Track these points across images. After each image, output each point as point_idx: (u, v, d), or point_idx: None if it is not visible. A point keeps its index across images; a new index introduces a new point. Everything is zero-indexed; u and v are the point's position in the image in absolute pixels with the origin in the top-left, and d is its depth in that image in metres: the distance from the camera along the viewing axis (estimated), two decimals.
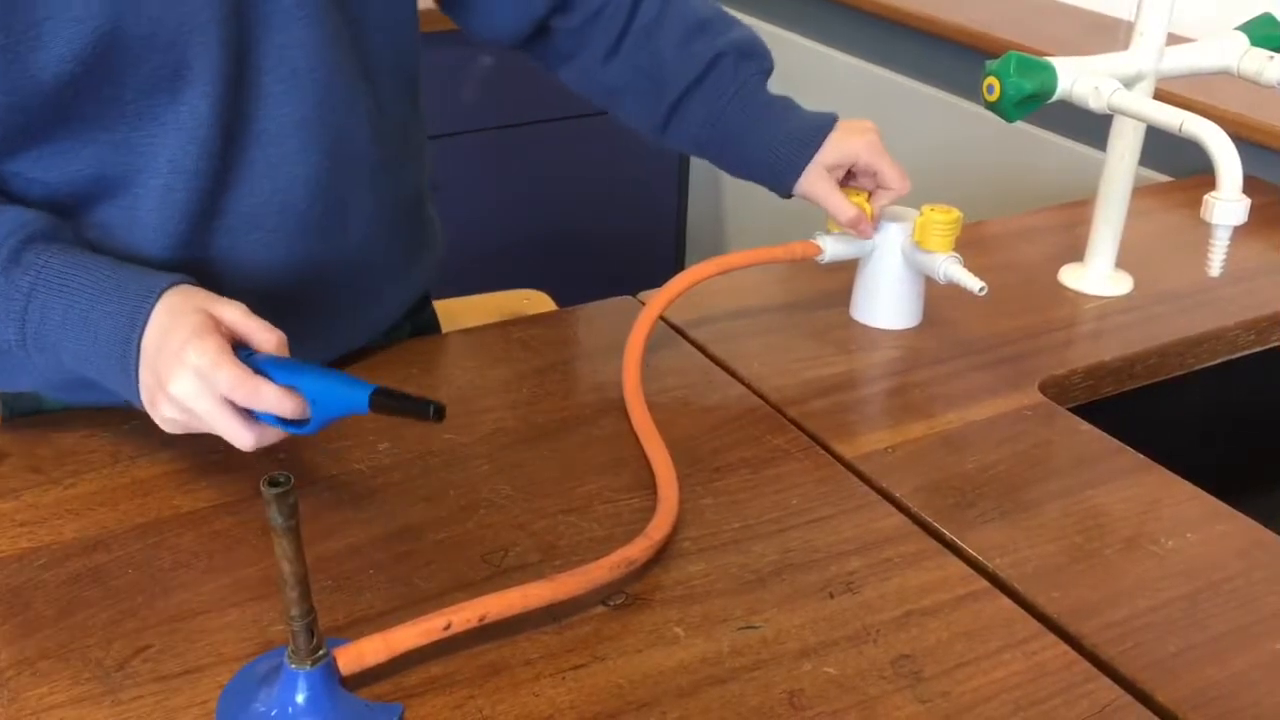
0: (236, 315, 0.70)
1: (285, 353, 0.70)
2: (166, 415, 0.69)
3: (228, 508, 0.74)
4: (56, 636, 0.64)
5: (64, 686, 0.61)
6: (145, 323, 0.69)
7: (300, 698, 0.58)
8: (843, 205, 0.94)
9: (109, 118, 0.75)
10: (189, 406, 0.67)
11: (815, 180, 0.95)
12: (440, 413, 0.63)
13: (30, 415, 0.85)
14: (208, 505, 0.74)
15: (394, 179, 0.90)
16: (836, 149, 0.94)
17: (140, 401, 0.70)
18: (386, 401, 0.65)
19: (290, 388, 0.67)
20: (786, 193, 0.97)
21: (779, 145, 0.95)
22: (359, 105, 0.84)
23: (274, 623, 0.65)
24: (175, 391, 0.67)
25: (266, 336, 0.70)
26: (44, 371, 0.78)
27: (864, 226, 0.94)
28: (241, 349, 0.69)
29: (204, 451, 0.79)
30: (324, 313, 0.88)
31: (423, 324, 1.05)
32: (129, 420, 0.82)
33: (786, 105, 0.97)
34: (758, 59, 0.98)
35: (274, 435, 0.69)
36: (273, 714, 0.58)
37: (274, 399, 0.66)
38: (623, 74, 0.97)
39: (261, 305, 0.80)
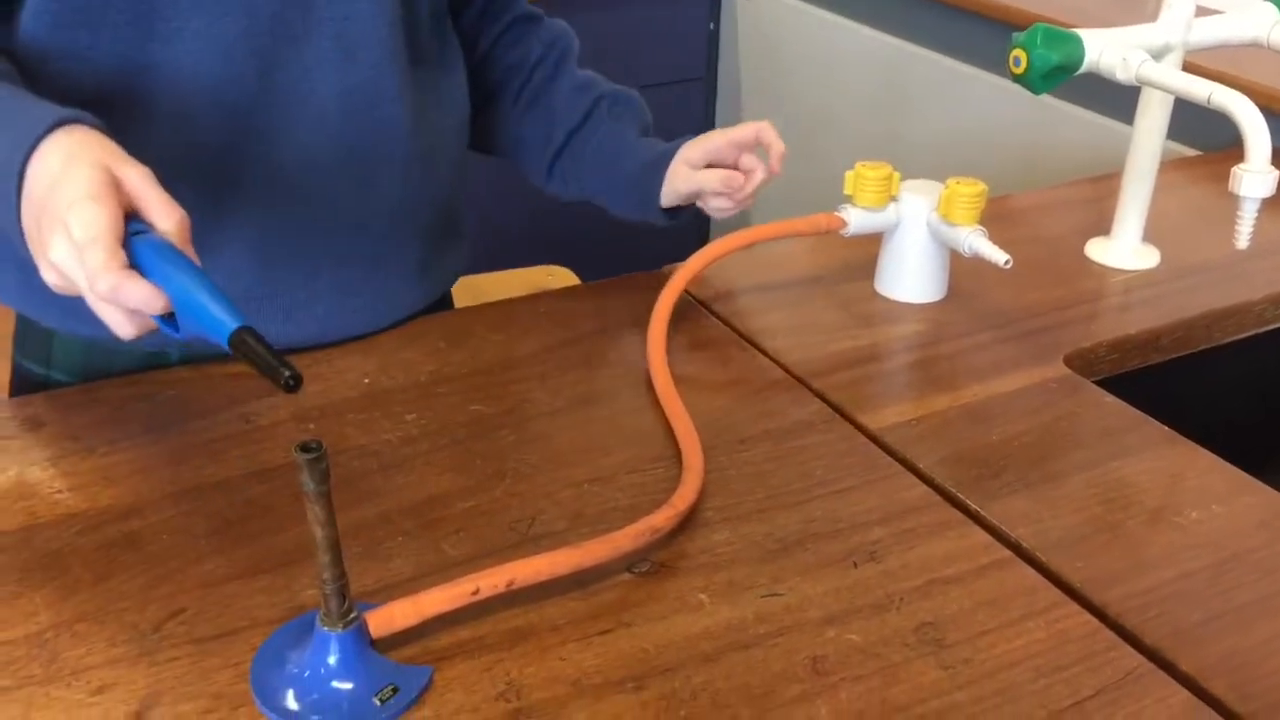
0: (139, 182, 0.63)
1: (185, 236, 0.64)
2: (48, 278, 0.65)
3: (260, 476, 0.75)
4: (94, 600, 0.65)
5: (101, 648, 0.62)
6: (30, 152, 0.64)
7: (332, 659, 0.59)
8: (708, 175, 0.93)
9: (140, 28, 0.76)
10: (68, 276, 0.63)
11: (676, 174, 0.94)
12: (293, 384, 0.57)
13: (65, 385, 0.86)
14: (240, 473, 0.75)
15: (426, 173, 0.92)
16: (695, 147, 0.94)
17: (23, 240, 0.66)
18: (245, 349, 0.59)
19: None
20: (656, 204, 0.96)
21: (638, 171, 0.97)
22: (405, 96, 0.87)
23: (305, 588, 0.66)
24: (54, 258, 0.62)
25: (167, 214, 0.63)
26: None
27: (736, 186, 0.92)
28: (135, 223, 0.63)
29: (236, 420, 0.80)
30: (336, 288, 0.90)
31: None
32: (164, 391, 0.84)
33: (654, 144, 0.99)
34: (633, 108, 1.02)
35: (149, 326, 0.64)
36: (305, 675, 0.59)
37: (139, 298, 0.60)
38: (522, 125, 1.02)
39: (272, 267, 0.81)
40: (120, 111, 0.77)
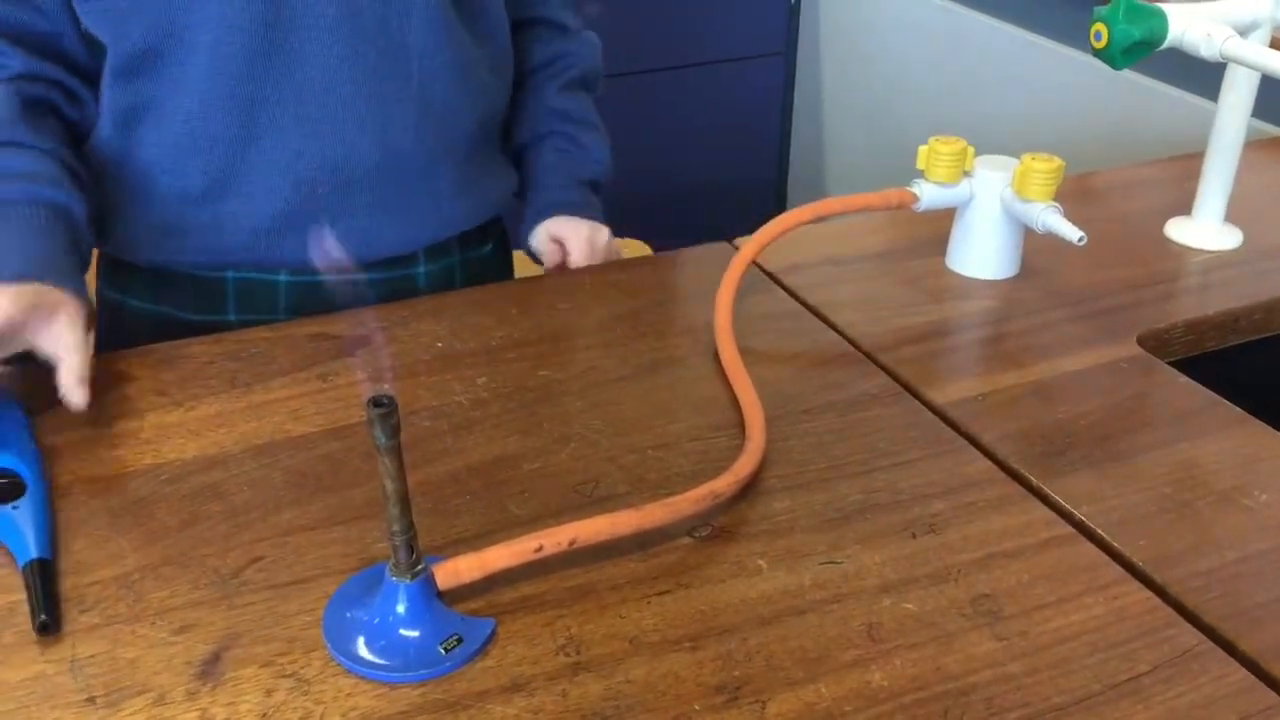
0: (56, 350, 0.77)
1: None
2: None
3: (335, 433, 0.78)
4: (178, 545, 0.68)
5: (184, 590, 0.65)
6: None
7: (400, 608, 0.61)
8: (547, 252, 1.06)
9: None
10: None
11: (534, 233, 1.07)
12: (43, 628, 0.62)
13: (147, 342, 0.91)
14: (317, 430, 0.78)
15: (454, 89, 0.96)
16: (559, 225, 1.06)
17: None
18: (31, 577, 0.65)
19: None
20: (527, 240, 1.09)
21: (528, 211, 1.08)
22: (416, 12, 0.91)
23: (376, 541, 0.69)
24: None
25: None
26: None
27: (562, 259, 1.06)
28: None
29: (314, 380, 0.83)
30: (372, 205, 0.95)
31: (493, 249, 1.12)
32: (246, 351, 0.87)
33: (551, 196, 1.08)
34: (581, 159, 1.10)
35: None
36: (374, 622, 0.61)
37: None
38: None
39: (307, 186, 0.89)
40: (160, 47, 0.86)
